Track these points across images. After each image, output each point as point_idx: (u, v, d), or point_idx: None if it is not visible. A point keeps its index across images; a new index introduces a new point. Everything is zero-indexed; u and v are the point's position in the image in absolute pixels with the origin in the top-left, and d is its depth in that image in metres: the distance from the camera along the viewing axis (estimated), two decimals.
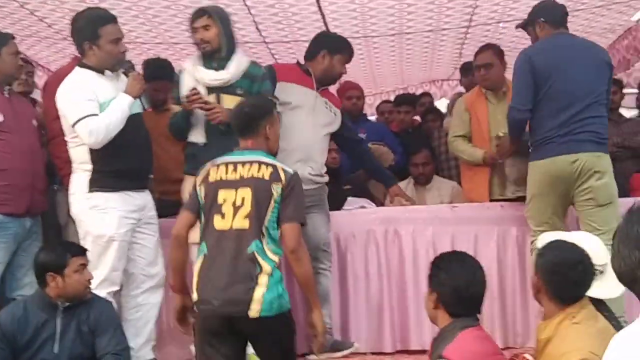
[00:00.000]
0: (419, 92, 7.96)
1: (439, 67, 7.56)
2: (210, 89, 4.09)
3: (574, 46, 4.32)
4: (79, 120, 3.77)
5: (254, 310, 3.12)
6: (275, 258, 3.23)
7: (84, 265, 3.60)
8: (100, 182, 3.88)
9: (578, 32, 6.51)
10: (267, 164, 3.30)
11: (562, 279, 2.72)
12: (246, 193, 3.24)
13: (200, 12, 4.10)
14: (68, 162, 4.08)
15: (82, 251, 3.65)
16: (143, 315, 4.06)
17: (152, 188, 4.23)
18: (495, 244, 4.61)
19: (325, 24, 5.83)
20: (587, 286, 2.75)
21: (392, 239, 4.67)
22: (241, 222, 3.21)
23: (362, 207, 4.88)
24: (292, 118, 4.29)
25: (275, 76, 4.42)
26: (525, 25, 4.53)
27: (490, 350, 2.78)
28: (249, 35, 5.92)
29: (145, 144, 4.08)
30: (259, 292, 3.13)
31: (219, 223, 3.24)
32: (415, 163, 5.56)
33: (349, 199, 5.03)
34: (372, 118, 7.11)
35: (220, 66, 4.10)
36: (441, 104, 7.82)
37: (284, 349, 3.28)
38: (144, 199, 4.06)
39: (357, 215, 4.74)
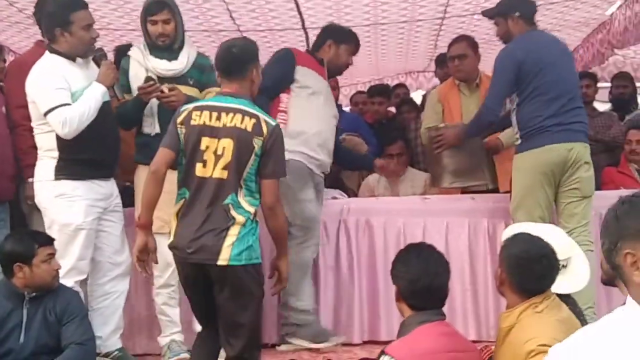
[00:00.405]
0: (394, 83, 7.97)
1: (415, 58, 7.56)
2: (162, 79, 4.06)
3: (550, 42, 4.37)
4: (51, 110, 3.71)
5: (222, 259, 3.21)
6: (251, 209, 3.30)
7: (52, 255, 3.55)
8: (67, 170, 3.83)
9: (552, 25, 6.56)
10: (250, 115, 3.31)
11: (526, 272, 2.71)
12: (228, 143, 3.28)
13: (162, 5, 4.04)
14: (27, 152, 4.06)
15: (50, 240, 3.60)
16: (110, 304, 4.02)
17: (118, 175, 4.18)
18: (467, 235, 4.61)
19: (300, 13, 5.82)
20: (551, 280, 2.75)
21: (363, 230, 4.65)
22: (220, 172, 3.27)
23: (334, 197, 4.85)
24: (311, 103, 4.34)
25: (293, 59, 4.38)
26: (493, 15, 4.47)
27: (450, 347, 2.70)
28: (223, 23, 5.89)
29: (113, 133, 4.02)
30: (229, 242, 3.22)
31: (200, 170, 3.29)
32: (390, 154, 5.53)
33: (325, 189, 4.99)
34: (347, 109, 7.08)
35: (172, 57, 4.11)
36: (417, 96, 7.81)
37: (248, 299, 3.29)
38: (110, 187, 4.02)
39: (329, 206, 4.71)
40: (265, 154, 3.30)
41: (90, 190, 3.89)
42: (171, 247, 3.35)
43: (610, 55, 7.02)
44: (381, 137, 5.90)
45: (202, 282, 3.32)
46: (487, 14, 4.58)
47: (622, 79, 6.74)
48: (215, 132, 3.29)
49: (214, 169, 3.28)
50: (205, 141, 3.29)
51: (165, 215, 3.55)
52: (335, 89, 6.09)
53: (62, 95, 3.73)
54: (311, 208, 4.28)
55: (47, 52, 3.86)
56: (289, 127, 4.18)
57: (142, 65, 4.09)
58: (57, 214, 3.84)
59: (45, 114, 3.74)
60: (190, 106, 3.40)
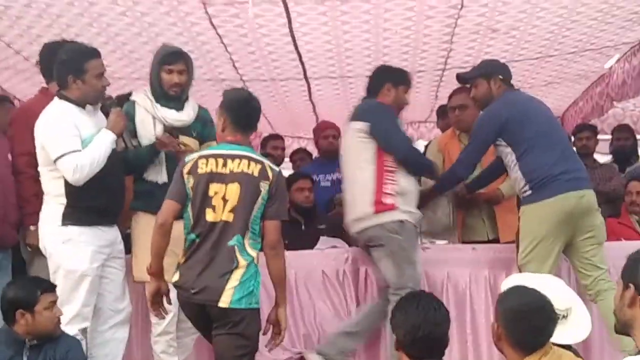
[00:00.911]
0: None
1: (416, 108, 7.60)
2: (168, 128, 4.11)
3: (530, 99, 4.52)
4: (62, 156, 3.72)
5: (224, 301, 3.36)
6: (254, 253, 3.45)
7: (54, 302, 3.53)
8: (74, 216, 3.83)
9: (552, 77, 6.67)
10: (256, 161, 3.49)
11: (523, 326, 2.63)
12: (235, 187, 3.44)
13: (179, 56, 4.13)
14: (29, 200, 4.09)
15: (52, 287, 3.59)
16: (110, 352, 3.99)
17: (120, 223, 4.19)
18: (467, 285, 4.59)
19: (302, 63, 5.88)
20: (550, 333, 2.69)
21: (363, 279, 4.63)
22: (227, 215, 3.43)
23: (334, 247, 4.85)
24: None
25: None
26: (475, 77, 4.49)
27: None
28: (226, 73, 5.96)
29: (119, 181, 4.03)
30: (231, 285, 3.37)
31: (210, 216, 3.44)
32: None
33: (322, 238, 5.01)
34: None
35: (179, 107, 4.15)
36: (418, 146, 7.82)
37: (243, 342, 3.40)
38: (114, 234, 4.02)
39: (329, 255, 4.71)
40: (271, 197, 3.46)
41: (96, 237, 3.89)
42: (176, 285, 3.49)
43: (609, 107, 7.08)
44: None
45: (203, 321, 3.49)
46: (467, 75, 4.58)
47: (622, 131, 6.79)
48: (222, 178, 3.44)
49: (222, 213, 3.42)
50: (213, 187, 3.44)
51: (166, 264, 3.58)
52: (336, 137, 6.12)
53: (73, 142, 3.75)
54: (420, 271, 4.27)
55: (56, 99, 3.90)
56: (400, 186, 4.23)
57: (149, 113, 4.12)
58: (63, 260, 3.82)
59: (56, 160, 3.74)
60: (196, 155, 3.54)
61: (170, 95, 4.11)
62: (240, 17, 4.90)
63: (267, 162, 3.54)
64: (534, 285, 2.97)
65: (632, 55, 6.05)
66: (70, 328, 3.70)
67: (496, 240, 4.82)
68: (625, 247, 4.68)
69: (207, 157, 3.50)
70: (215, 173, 3.45)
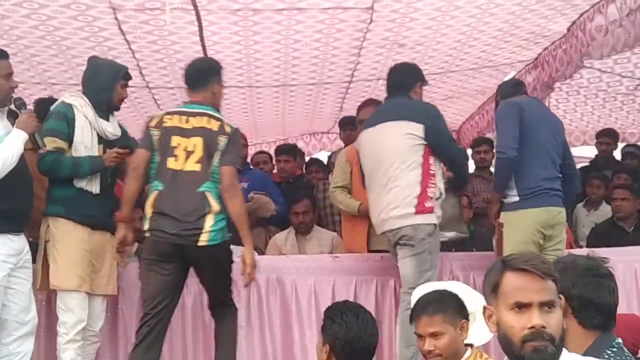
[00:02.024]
0: (299, 143, 8.09)
1: (320, 119, 7.72)
2: (100, 140, 4.11)
3: (544, 109, 4.74)
4: None
5: (202, 240, 3.76)
6: (219, 197, 3.83)
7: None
8: None
9: (452, 92, 6.90)
10: (215, 118, 3.92)
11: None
12: (197, 141, 3.84)
13: (129, 76, 4.32)
14: None
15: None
16: None
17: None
18: (374, 294, 4.69)
19: None
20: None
21: (273, 288, 4.67)
22: (192, 166, 3.82)
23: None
24: None
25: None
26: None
27: None
28: (132, 79, 5.82)
29: (27, 185, 3.91)
30: (207, 225, 3.77)
31: (172, 164, 3.82)
32: (296, 212, 5.58)
33: (231, 247, 4.98)
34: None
35: (106, 118, 4.18)
36: (321, 156, 7.94)
37: (223, 272, 3.95)
38: (21, 243, 3.88)
39: (238, 264, 4.70)
40: (227, 148, 3.85)
41: (3, 245, 3.75)
42: (150, 229, 3.80)
43: None
44: (288, 196, 5.96)
45: (179, 262, 3.83)
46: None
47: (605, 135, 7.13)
48: (184, 132, 3.85)
49: (185, 162, 3.81)
50: (175, 139, 3.84)
51: (85, 273, 3.64)
52: (246, 146, 6.15)
53: None
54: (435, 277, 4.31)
55: None
56: (438, 190, 4.32)
57: (88, 121, 4.06)
58: None
59: None
60: (162, 112, 4.01)
61: (111, 108, 4.19)
62: (150, 24, 4.85)
63: (225, 120, 3.96)
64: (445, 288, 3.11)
65: (526, 72, 6.36)
66: None
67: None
68: None
69: (171, 113, 3.94)
70: (178, 127, 3.85)
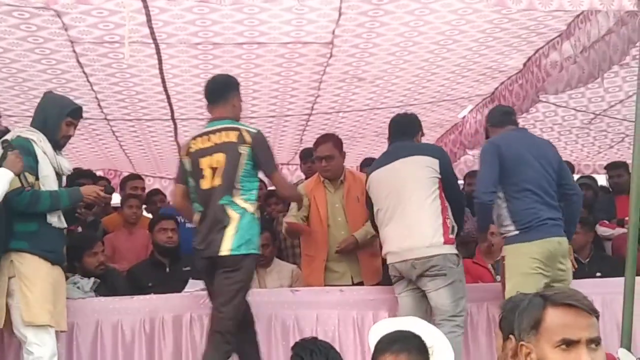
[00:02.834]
0: (260, 175, 8.06)
1: (280, 151, 7.71)
2: (57, 175, 4.13)
3: (531, 141, 4.67)
4: None
5: (224, 250, 4.00)
6: (246, 205, 4.06)
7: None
8: None
9: None
10: (232, 129, 4.13)
11: None
12: (220, 157, 4.09)
13: (81, 112, 4.31)
14: None
15: None
16: None
17: None
18: (336, 327, 4.67)
19: (170, 104, 5.84)
20: None
21: None
22: (216, 181, 4.07)
23: (204, 289, 4.79)
24: None
25: None
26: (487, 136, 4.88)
27: None
28: (91, 111, 5.80)
29: (2, 223, 3.89)
30: (228, 235, 4.01)
31: (203, 184, 4.11)
32: None
33: (190, 280, 4.93)
34: None
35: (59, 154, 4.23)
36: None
37: (239, 278, 4.03)
38: None
39: (198, 298, 4.66)
40: (257, 158, 4.11)
41: None
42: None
43: (462, 154, 7.49)
44: None
45: (211, 275, 4.08)
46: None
47: (473, 177, 7.17)
48: (208, 152, 4.11)
49: (212, 179, 4.07)
50: (203, 161, 4.12)
51: (52, 308, 3.79)
52: None
53: None
54: None
55: None
56: (451, 224, 4.51)
57: (47, 157, 4.06)
58: None
59: None
60: (189, 139, 4.31)
61: (60, 145, 4.18)
62: (108, 57, 4.82)
63: (243, 127, 4.17)
64: (403, 326, 3.11)
65: (484, 106, 6.46)
66: None
67: (361, 284, 4.97)
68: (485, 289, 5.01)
69: (195, 137, 4.23)
70: (202, 149, 4.13)
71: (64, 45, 4.60)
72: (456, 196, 4.65)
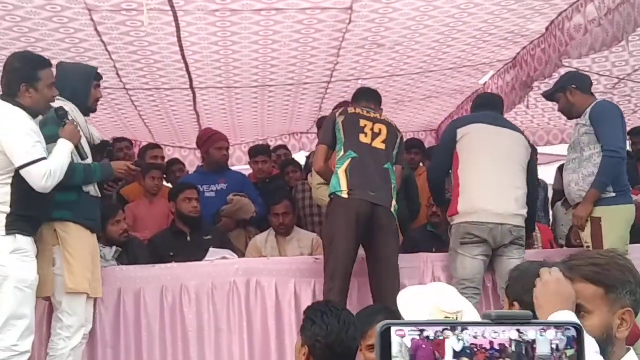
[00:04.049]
0: (277, 144, 8.06)
1: (299, 120, 7.69)
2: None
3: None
4: (32, 163, 3.64)
5: (393, 207, 4.43)
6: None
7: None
8: (18, 225, 3.70)
9: (430, 91, 6.90)
10: (389, 121, 4.75)
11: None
12: (382, 127, 4.58)
13: (100, 76, 4.37)
14: None
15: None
16: None
17: None
18: (356, 296, 4.66)
19: (189, 73, 5.81)
20: None
21: (254, 291, 4.64)
22: (379, 144, 4.50)
23: (224, 257, 4.82)
24: None
25: None
26: (553, 93, 4.95)
27: None
28: (109, 80, 5.79)
29: (51, 192, 3.89)
30: (394, 196, 4.44)
31: (363, 139, 4.48)
32: (276, 213, 5.55)
33: (211, 249, 4.96)
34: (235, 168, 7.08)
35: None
36: (300, 157, 7.91)
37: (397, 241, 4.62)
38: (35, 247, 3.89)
39: (219, 267, 4.68)
40: (399, 146, 4.66)
41: (33, 247, 3.80)
42: (351, 190, 4.33)
43: None
44: (266, 196, 5.93)
45: (366, 220, 4.30)
46: (547, 93, 5.05)
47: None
48: (370, 119, 4.58)
49: (372, 140, 4.48)
50: (363, 121, 4.54)
51: (91, 276, 3.92)
52: (229, 149, 6.16)
53: (41, 149, 3.71)
54: None
55: (9, 105, 3.76)
56: None
57: (81, 129, 4.07)
58: (14, 270, 3.66)
59: (23, 167, 3.64)
60: (344, 106, 4.83)
61: (88, 111, 4.22)
62: (126, 25, 4.78)
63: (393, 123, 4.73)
64: (429, 292, 3.09)
65: (505, 72, 6.38)
66: (24, 344, 3.63)
67: None
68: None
69: (353, 106, 4.69)
70: (363, 115, 4.58)
71: (81, 13, 4.57)
72: (535, 185, 4.98)
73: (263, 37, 5.11)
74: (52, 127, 3.96)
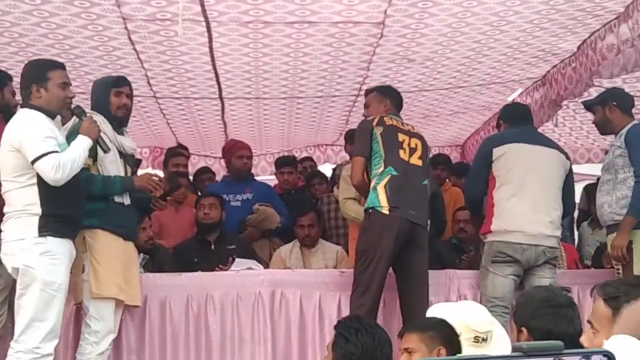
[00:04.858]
0: (302, 155, 8.07)
1: (325, 132, 7.70)
2: (120, 154, 4.18)
3: None
4: (42, 156, 3.66)
5: (427, 226, 4.44)
6: None
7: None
8: (50, 226, 3.72)
9: (458, 107, 6.89)
10: (421, 134, 4.68)
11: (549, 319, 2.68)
12: (417, 142, 4.51)
13: (127, 81, 4.33)
14: None
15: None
16: None
17: None
18: (381, 310, 4.64)
19: (219, 83, 5.85)
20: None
21: (278, 302, 4.64)
22: (416, 161, 4.45)
23: (250, 268, 4.83)
24: None
25: None
26: (592, 105, 4.91)
27: None
28: (140, 89, 5.83)
29: (82, 191, 3.94)
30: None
31: (402, 154, 4.40)
32: (302, 225, 5.56)
33: (237, 260, 4.97)
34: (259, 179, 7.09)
35: (121, 134, 4.25)
36: (325, 169, 7.91)
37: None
38: (74, 248, 3.92)
39: (245, 277, 4.68)
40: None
41: (67, 249, 3.82)
42: (392, 207, 4.25)
43: None
44: (291, 207, 5.94)
45: (404, 238, 4.27)
46: (588, 104, 5.01)
47: None
48: (405, 132, 4.49)
49: (410, 157, 4.41)
50: (401, 136, 4.45)
51: (122, 282, 3.90)
52: (250, 158, 6.16)
53: (52, 144, 3.71)
54: None
55: (25, 109, 3.83)
56: None
57: (107, 137, 4.09)
58: (42, 273, 3.68)
59: (35, 161, 3.66)
60: (376, 115, 4.54)
61: (119, 118, 4.19)
62: (160, 35, 4.83)
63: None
64: (458, 310, 3.08)
65: (534, 89, 6.35)
66: (47, 346, 3.64)
67: None
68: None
69: (388, 116, 4.53)
70: (400, 127, 4.50)
71: (116, 22, 4.62)
72: (572, 199, 4.94)
73: (294, 49, 5.13)
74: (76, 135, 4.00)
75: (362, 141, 4.46)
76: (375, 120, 4.46)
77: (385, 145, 4.38)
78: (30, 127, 3.74)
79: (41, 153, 3.66)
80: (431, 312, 3.11)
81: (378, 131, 4.41)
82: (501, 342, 3.13)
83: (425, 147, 4.57)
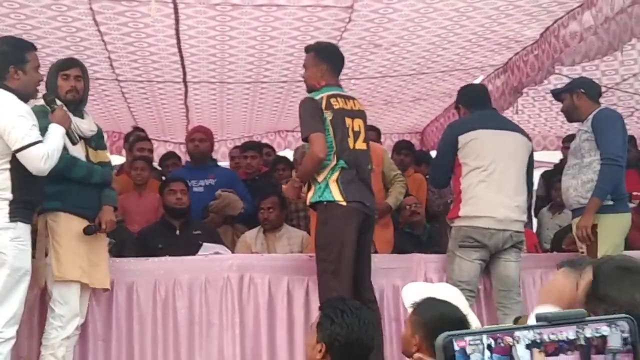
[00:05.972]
0: (263, 141, 8.03)
1: (287, 118, 7.67)
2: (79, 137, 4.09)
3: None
4: (29, 145, 3.61)
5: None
6: None
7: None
8: (19, 212, 3.68)
9: (420, 94, 6.93)
10: (362, 108, 4.48)
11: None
12: (360, 123, 4.34)
13: (74, 62, 4.23)
14: None
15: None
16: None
17: None
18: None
19: (183, 66, 5.78)
20: None
21: (247, 287, 4.62)
22: (361, 145, 4.31)
23: (217, 253, 4.80)
24: None
25: None
26: (560, 93, 4.99)
27: None
28: (102, 71, 5.74)
29: (42, 179, 3.86)
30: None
31: (351, 144, 4.24)
32: (262, 208, 5.56)
33: (204, 244, 4.94)
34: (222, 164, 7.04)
35: (81, 116, 4.17)
36: (285, 155, 7.87)
37: None
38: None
39: (213, 262, 4.66)
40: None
41: (29, 236, 3.78)
42: (349, 201, 4.17)
43: None
44: (255, 193, 5.91)
45: (361, 226, 4.24)
46: (555, 91, 5.12)
47: None
48: (350, 114, 4.29)
49: (355, 142, 4.25)
50: (347, 120, 4.25)
51: (85, 265, 3.80)
52: (203, 141, 6.15)
53: (37, 132, 3.67)
54: None
55: (0, 90, 3.73)
56: None
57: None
58: (11, 258, 3.63)
59: (20, 150, 3.60)
60: (324, 94, 4.25)
61: (70, 101, 4.09)
62: (125, 16, 4.75)
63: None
64: (432, 292, 3.10)
65: (496, 77, 6.43)
66: (8, 331, 3.60)
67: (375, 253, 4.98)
68: None
69: (334, 96, 4.28)
70: (346, 109, 4.27)
71: (81, 2, 4.53)
72: (531, 179, 4.97)
73: (261, 32, 5.10)
74: (42, 120, 3.91)
75: (314, 118, 4.18)
76: (324, 103, 4.20)
77: (335, 134, 4.19)
78: (13, 112, 3.66)
79: (29, 142, 3.62)
80: (409, 291, 3.13)
81: (328, 117, 4.19)
82: (474, 324, 3.18)
83: (365, 120, 4.41)
